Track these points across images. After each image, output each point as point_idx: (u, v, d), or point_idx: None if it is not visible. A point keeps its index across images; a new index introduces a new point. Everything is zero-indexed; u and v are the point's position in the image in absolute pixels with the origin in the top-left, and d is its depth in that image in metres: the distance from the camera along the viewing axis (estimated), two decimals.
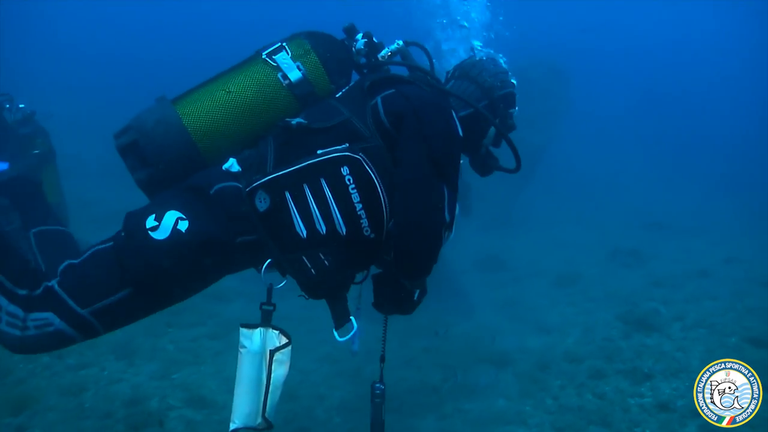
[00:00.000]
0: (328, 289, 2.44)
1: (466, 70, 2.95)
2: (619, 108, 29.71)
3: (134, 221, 2.27)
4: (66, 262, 2.31)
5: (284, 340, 2.34)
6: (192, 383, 5.41)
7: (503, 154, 2.98)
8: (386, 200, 2.36)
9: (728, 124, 31.05)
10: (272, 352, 2.31)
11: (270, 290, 2.42)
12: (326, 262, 2.33)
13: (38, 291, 2.23)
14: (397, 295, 2.61)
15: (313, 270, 2.34)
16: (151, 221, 2.24)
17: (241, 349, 2.32)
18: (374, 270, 2.71)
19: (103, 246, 2.33)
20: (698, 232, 12.61)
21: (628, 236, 11.69)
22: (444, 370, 5.81)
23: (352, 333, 2.51)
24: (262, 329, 2.34)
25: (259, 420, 2.26)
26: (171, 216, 2.25)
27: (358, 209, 2.32)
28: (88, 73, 26.66)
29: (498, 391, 5.48)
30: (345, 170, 2.31)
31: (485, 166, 3.00)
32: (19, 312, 2.21)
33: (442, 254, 2.57)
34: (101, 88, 23.30)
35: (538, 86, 12.50)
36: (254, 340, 2.33)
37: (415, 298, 2.62)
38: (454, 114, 2.56)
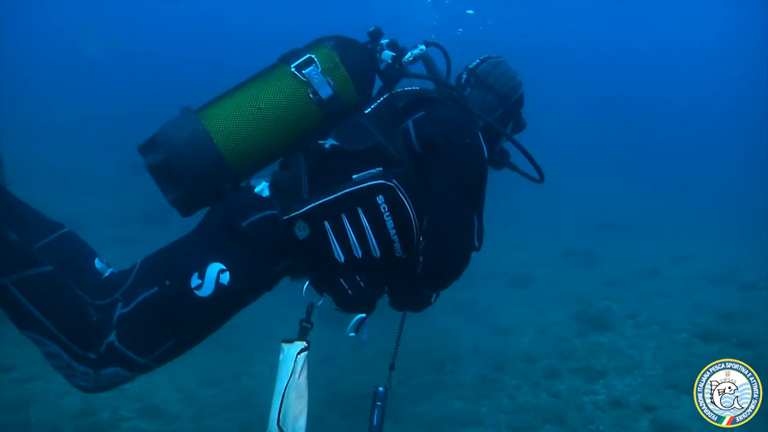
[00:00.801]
0: (363, 305, 2.55)
1: (482, 78, 2.99)
2: (569, 110, 30.13)
3: (180, 281, 2.34)
4: (118, 312, 2.34)
5: (304, 345, 2.42)
6: (144, 393, 5.35)
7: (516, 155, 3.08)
8: (417, 223, 2.46)
9: (679, 124, 31.79)
10: (296, 363, 2.39)
11: (310, 310, 2.54)
12: (362, 283, 2.46)
13: (102, 349, 2.29)
14: (417, 300, 2.69)
15: (350, 291, 2.47)
16: (195, 280, 2.33)
17: (280, 363, 2.40)
18: None
19: (150, 293, 2.36)
20: (650, 232, 12.86)
21: (581, 237, 11.89)
22: (400, 374, 5.83)
23: (359, 323, 2.58)
24: (297, 343, 2.42)
25: (276, 429, 2.31)
26: (212, 270, 2.34)
27: (392, 234, 2.42)
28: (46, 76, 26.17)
29: (454, 393, 5.53)
30: (380, 199, 2.39)
31: (498, 161, 3.09)
32: (90, 372, 2.30)
33: None
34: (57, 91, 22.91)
35: None
36: (288, 352, 2.41)
37: (433, 300, 2.71)
38: (480, 135, 2.64)
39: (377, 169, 2.43)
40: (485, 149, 2.62)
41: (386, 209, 2.40)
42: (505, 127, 2.98)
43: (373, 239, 2.40)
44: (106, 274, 2.63)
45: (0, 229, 2.30)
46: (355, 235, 2.39)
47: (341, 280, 2.47)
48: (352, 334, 2.59)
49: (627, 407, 5.20)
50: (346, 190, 2.37)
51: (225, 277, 2.34)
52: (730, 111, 32.09)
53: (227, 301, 2.39)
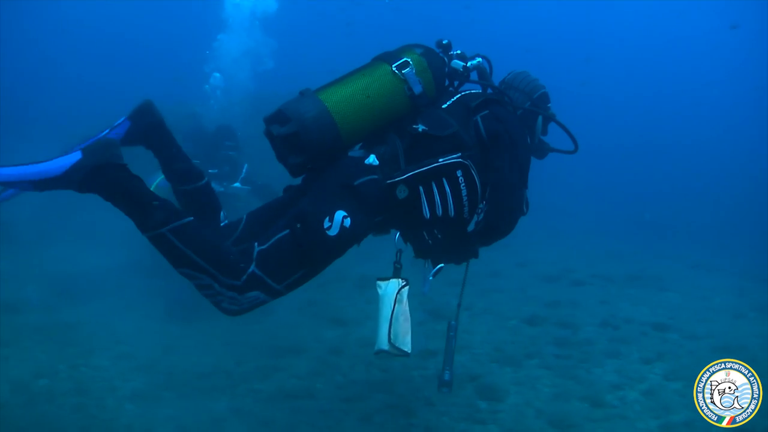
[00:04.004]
0: (438, 253, 3.53)
1: (510, 83, 4.03)
2: None
3: (314, 222, 3.06)
4: (257, 249, 3.05)
5: (403, 282, 3.27)
6: None
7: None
8: (481, 192, 3.36)
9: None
10: (396, 294, 3.21)
11: (399, 253, 3.50)
12: (439, 235, 3.40)
13: (244, 278, 2.97)
14: (466, 252, 3.63)
15: (430, 241, 3.43)
16: (326, 222, 3.06)
17: (382, 297, 3.25)
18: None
19: (282, 234, 3.09)
20: (499, 245, 13.54)
21: None
22: (236, 357, 6.10)
23: (439, 271, 3.63)
24: (393, 280, 3.28)
25: (388, 345, 3.15)
26: (339, 215, 3.09)
27: (464, 200, 3.31)
28: None
29: (290, 372, 5.83)
30: (459, 173, 3.27)
31: (541, 150, 4.06)
32: (236, 295, 3.00)
33: None
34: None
35: None
36: (386, 288, 3.26)
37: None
38: (524, 129, 3.63)
39: (458, 153, 3.29)
40: (528, 137, 3.64)
41: (462, 181, 3.28)
42: (535, 118, 3.94)
43: (451, 202, 3.27)
44: (224, 223, 3.54)
45: (150, 194, 2.95)
46: (439, 198, 3.25)
47: (424, 232, 3.40)
48: (431, 278, 3.60)
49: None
50: (435, 164, 3.24)
51: (347, 222, 3.09)
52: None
53: (344, 241, 3.11)
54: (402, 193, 3.20)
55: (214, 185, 4.00)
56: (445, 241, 3.43)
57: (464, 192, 3.29)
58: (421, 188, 3.23)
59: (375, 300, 3.32)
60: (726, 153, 28.64)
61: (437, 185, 3.24)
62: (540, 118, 3.97)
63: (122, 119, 3.40)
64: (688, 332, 7.11)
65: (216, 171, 7.73)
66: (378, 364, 6.02)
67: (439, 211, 3.27)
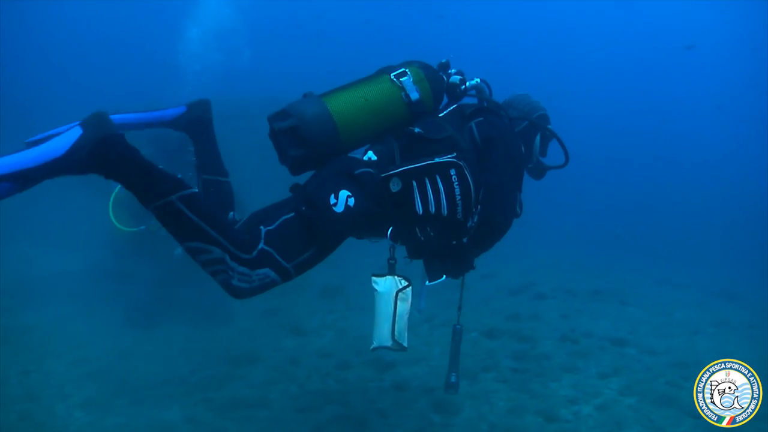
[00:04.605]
0: (426, 253, 3.55)
1: (509, 103, 4.18)
2: None
3: (320, 200, 3.14)
4: (264, 230, 3.09)
5: (405, 283, 3.34)
6: None
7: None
8: (474, 193, 3.44)
9: None
10: (398, 292, 3.32)
11: (393, 248, 3.49)
12: (431, 233, 3.46)
13: (255, 253, 2.99)
14: (462, 262, 3.64)
15: (422, 237, 3.46)
16: (332, 199, 3.14)
17: (375, 293, 3.35)
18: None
19: (289, 216, 3.16)
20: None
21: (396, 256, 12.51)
22: (192, 365, 6.09)
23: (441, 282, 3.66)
24: (389, 277, 3.36)
25: (391, 342, 3.28)
26: (343, 194, 3.16)
27: (457, 199, 3.39)
28: None
29: (244, 382, 5.82)
30: (453, 171, 3.37)
31: (539, 171, 4.20)
32: (248, 271, 2.98)
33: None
34: None
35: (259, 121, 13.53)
36: (383, 284, 3.34)
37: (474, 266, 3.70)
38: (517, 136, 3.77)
39: (453, 154, 3.40)
40: (522, 147, 3.81)
41: (455, 179, 3.37)
42: (533, 137, 4.10)
43: (444, 199, 3.36)
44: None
45: (152, 163, 2.92)
46: (432, 194, 3.34)
47: (416, 228, 3.45)
48: (427, 282, 3.61)
49: (409, 390, 5.71)
50: (430, 161, 3.35)
51: (351, 201, 3.16)
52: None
53: (350, 220, 3.16)
54: (395, 186, 3.31)
55: None
56: (438, 240, 3.51)
57: (457, 191, 3.39)
58: (414, 183, 3.34)
59: (371, 296, 3.40)
60: (701, 168, 29.09)
61: (430, 182, 3.36)
62: (538, 138, 4.12)
63: (180, 107, 3.74)
64: (646, 347, 7.19)
65: (179, 176, 7.64)
66: (334, 374, 6.04)
67: (432, 208, 3.37)
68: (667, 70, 37.09)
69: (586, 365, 6.51)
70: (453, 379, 3.88)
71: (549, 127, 4.13)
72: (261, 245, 3.02)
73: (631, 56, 37.58)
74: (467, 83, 3.84)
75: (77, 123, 2.92)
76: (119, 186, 7.60)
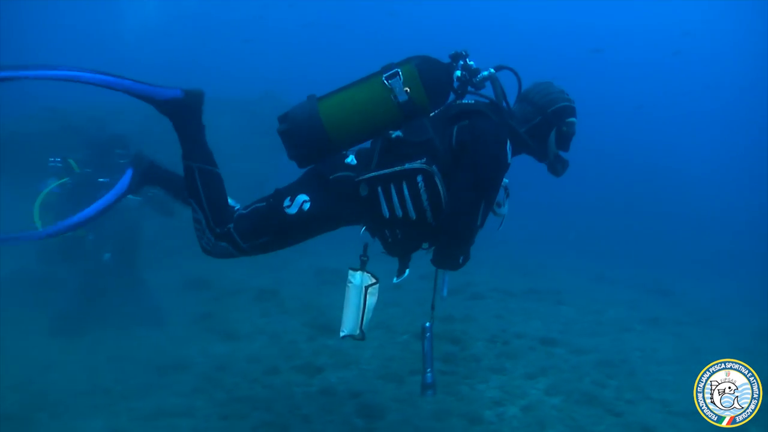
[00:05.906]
0: (399, 252, 3.81)
1: (525, 94, 4.06)
2: None
3: (278, 199, 3.76)
4: (238, 213, 3.84)
5: (374, 280, 3.72)
6: None
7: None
8: (445, 199, 3.57)
9: None
10: (367, 288, 3.70)
11: (366, 246, 3.85)
12: (399, 235, 3.68)
13: (223, 229, 3.77)
14: (446, 259, 3.73)
15: (390, 239, 3.71)
16: (287, 201, 3.72)
17: (348, 284, 3.72)
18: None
19: (260, 205, 3.82)
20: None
21: (333, 257, 12.55)
22: (117, 374, 6.08)
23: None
24: (361, 272, 3.73)
25: (358, 331, 3.69)
26: (300, 198, 3.71)
27: (425, 204, 3.57)
28: None
29: (171, 390, 5.83)
30: (420, 178, 3.54)
31: (556, 168, 4.07)
32: (212, 239, 3.80)
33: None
34: None
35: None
36: (356, 278, 3.71)
37: (461, 261, 3.74)
38: (509, 144, 3.64)
39: (423, 159, 3.54)
40: (509, 155, 3.66)
41: (423, 186, 3.54)
42: (547, 132, 3.96)
43: (410, 205, 3.56)
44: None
45: (201, 138, 3.87)
46: (398, 200, 3.57)
47: (386, 230, 3.70)
48: (397, 280, 3.88)
49: (335, 395, 5.79)
50: (397, 169, 3.55)
51: (306, 206, 3.69)
52: None
53: (302, 222, 3.68)
54: (363, 191, 3.62)
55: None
56: (406, 242, 3.73)
57: (424, 197, 3.56)
58: (379, 189, 3.60)
59: (343, 289, 3.75)
60: (652, 167, 29.75)
61: (396, 188, 3.57)
62: (553, 134, 3.95)
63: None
64: (575, 346, 7.40)
65: (107, 180, 7.56)
66: (262, 380, 6.08)
67: (399, 212, 3.60)
68: (642, 72, 37.66)
69: (514, 366, 6.68)
70: (429, 379, 3.94)
71: (567, 120, 3.95)
72: (230, 225, 3.76)
73: (612, 52, 38.03)
74: (479, 75, 3.74)
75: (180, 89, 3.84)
76: (47, 189, 7.55)
